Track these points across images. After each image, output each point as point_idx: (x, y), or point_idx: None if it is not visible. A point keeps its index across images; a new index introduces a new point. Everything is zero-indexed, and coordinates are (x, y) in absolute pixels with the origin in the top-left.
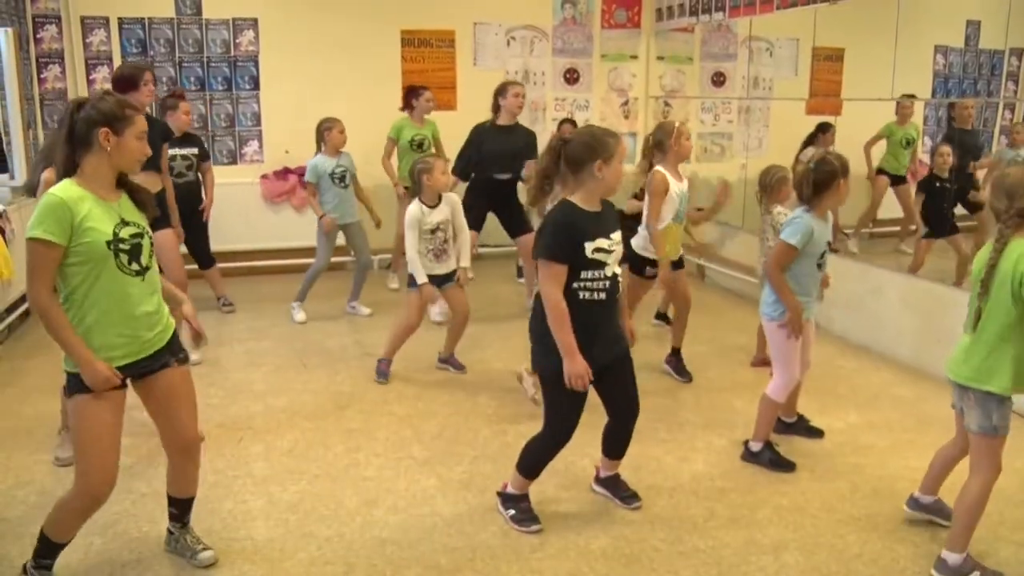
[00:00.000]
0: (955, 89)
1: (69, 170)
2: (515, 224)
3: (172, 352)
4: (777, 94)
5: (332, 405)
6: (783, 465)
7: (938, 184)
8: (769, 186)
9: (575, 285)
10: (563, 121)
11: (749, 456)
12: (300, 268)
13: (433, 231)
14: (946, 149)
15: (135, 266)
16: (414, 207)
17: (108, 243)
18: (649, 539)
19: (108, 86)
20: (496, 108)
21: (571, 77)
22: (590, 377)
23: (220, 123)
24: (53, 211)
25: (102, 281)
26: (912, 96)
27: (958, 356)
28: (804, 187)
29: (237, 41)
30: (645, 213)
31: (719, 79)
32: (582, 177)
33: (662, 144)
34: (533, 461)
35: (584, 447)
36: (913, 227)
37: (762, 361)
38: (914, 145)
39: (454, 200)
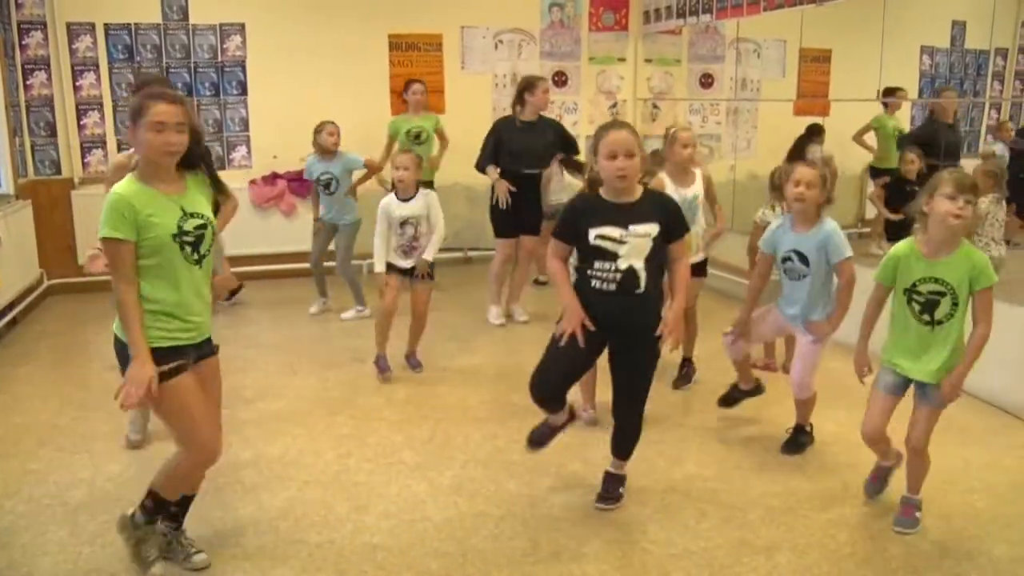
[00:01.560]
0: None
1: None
2: (530, 222)
3: (211, 340)
4: (765, 95)
5: (322, 411)
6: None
7: (908, 188)
8: (780, 187)
9: (588, 272)
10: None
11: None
12: (288, 273)
13: (403, 224)
14: (911, 156)
15: (195, 255)
16: (386, 199)
17: (173, 236)
18: (641, 541)
19: (96, 92)
20: (520, 103)
21: (559, 80)
22: (585, 322)
23: (208, 128)
24: (116, 209)
25: (170, 270)
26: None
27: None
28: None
29: (224, 46)
30: None
31: (707, 81)
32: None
33: (661, 151)
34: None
35: (577, 450)
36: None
37: (765, 365)
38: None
39: (431, 196)
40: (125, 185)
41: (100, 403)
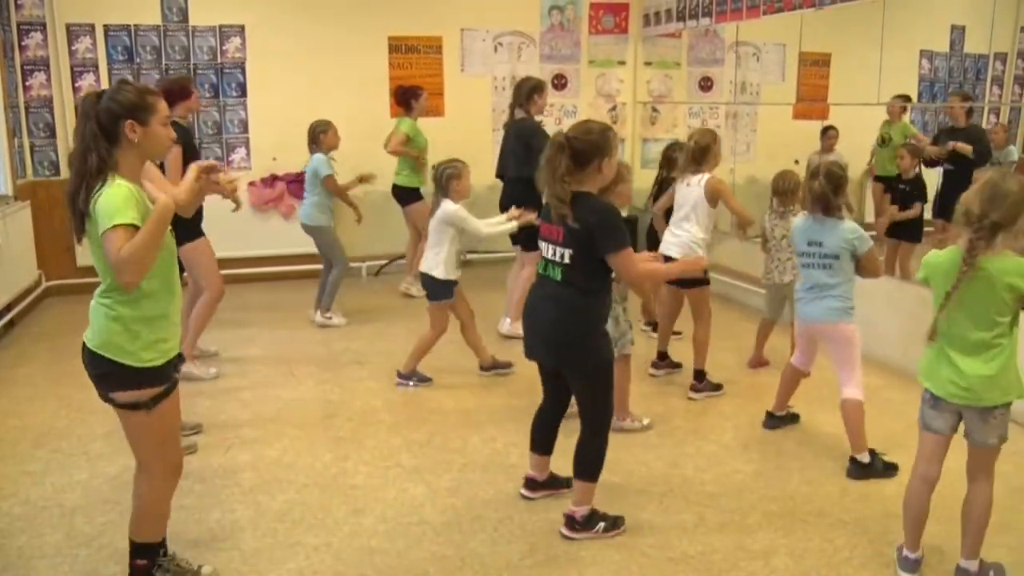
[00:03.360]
0: (941, 93)
1: (106, 165)
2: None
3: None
4: (764, 99)
5: (320, 414)
6: (892, 468)
7: (902, 187)
8: (787, 191)
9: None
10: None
11: (860, 471)
12: (287, 276)
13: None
14: (903, 152)
15: (174, 258)
16: (454, 209)
17: (169, 232)
18: (639, 545)
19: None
20: (528, 103)
21: (559, 83)
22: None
23: (207, 130)
24: (130, 198)
25: (168, 273)
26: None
27: (980, 383)
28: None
29: (224, 48)
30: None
31: (706, 84)
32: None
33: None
34: (599, 461)
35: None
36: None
37: (759, 362)
38: (891, 144)
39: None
40: (122, 183)
41: (97, 405)
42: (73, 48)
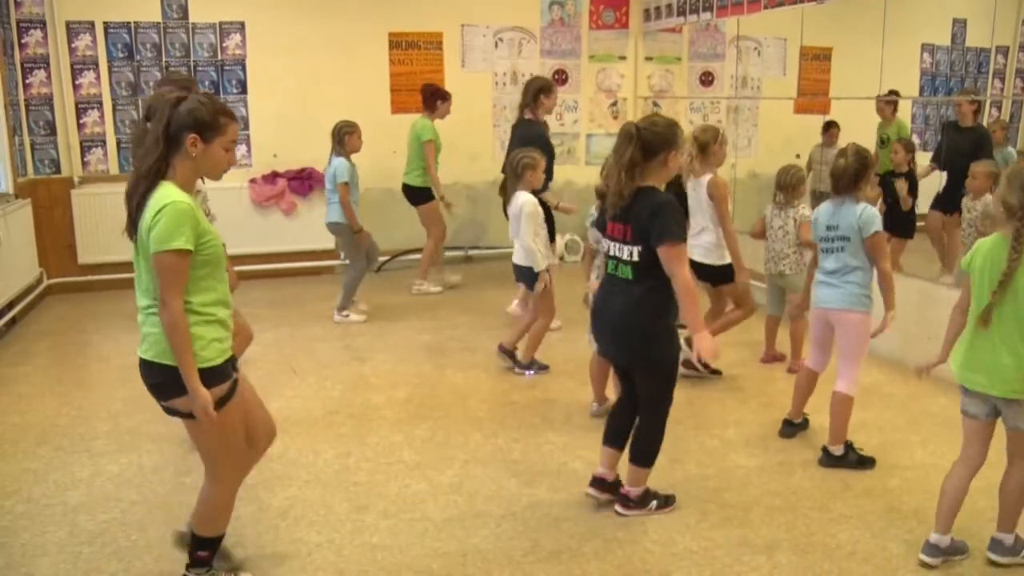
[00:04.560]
0: (942, 87)
1: (160, 170)
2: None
3: None
4: (765, 93)
5: (322, 410)
6: (867, 463)
7: (893, 180)
8: (790, 185)
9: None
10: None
11: (831, 461)
12: (288, 272)
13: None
14: (898, 145)
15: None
16: (534, 200)
17: (222, 244)
18: (641, 541)
19: (95, 91)
20: (535, 103)
21: (559, 78)
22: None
23: None
24: (188, 218)
25: (220, 278)
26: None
27: (1009, 375)
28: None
29: (224, 45)
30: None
31: (707, 79)
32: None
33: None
34: (655, 448)
35: (577, 450)
36: None
37: (772, 357)
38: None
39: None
40: (180, 194)
41: (99, 403)
42: (73, 45)
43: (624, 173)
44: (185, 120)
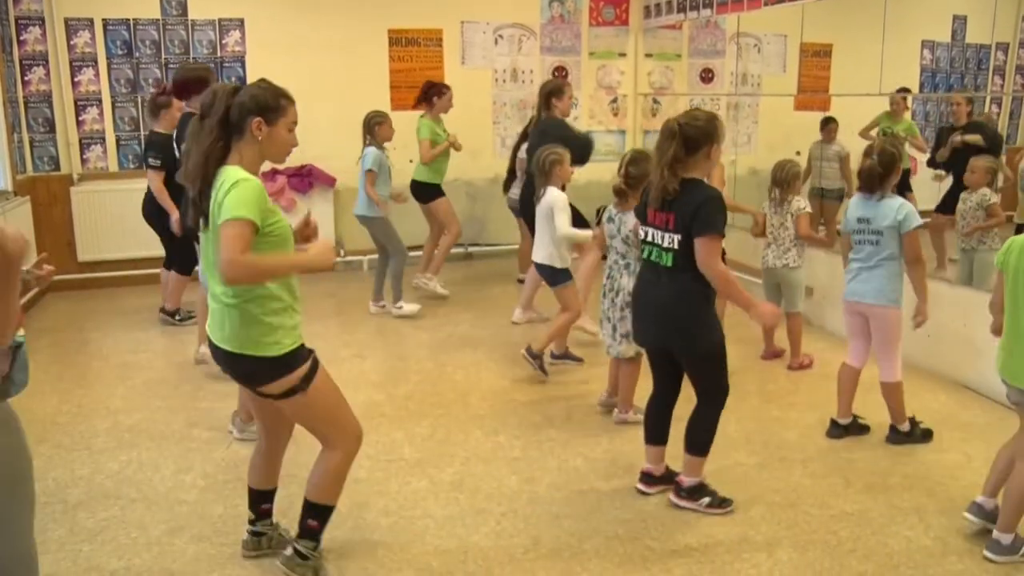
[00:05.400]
0: (943, 84)
1: (221, 156)
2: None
3: None
4: (765, 90)
5: None
6: (929, 435)
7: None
8: (785, 181)
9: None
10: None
11: (899, 438)
12: None
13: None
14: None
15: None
16: (563, 195)
17: (289, 226)
18: (642, 538)
19: (95, 88)
20: (547, 106)
21: (560, 75)
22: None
23: None
24: (257, 195)
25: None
26: (906, 89)
27: None
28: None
29: (224, 42)
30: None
31: (707, 76)
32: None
33: None
34: (709, 436)
35: (578, 447)
36: None
37: (772, 353)
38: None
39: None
40: (249, 175)
41: (99, 400)
42: (72, 42)
43: (667, 170)
44: (249, 105)
